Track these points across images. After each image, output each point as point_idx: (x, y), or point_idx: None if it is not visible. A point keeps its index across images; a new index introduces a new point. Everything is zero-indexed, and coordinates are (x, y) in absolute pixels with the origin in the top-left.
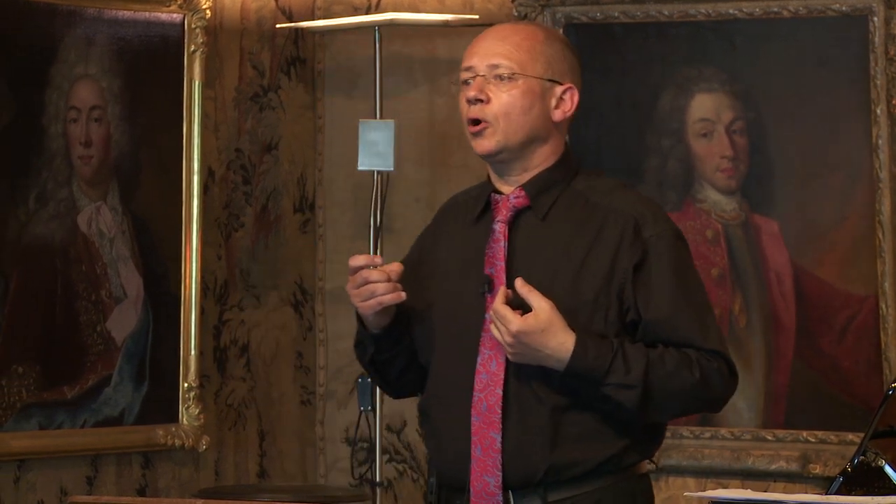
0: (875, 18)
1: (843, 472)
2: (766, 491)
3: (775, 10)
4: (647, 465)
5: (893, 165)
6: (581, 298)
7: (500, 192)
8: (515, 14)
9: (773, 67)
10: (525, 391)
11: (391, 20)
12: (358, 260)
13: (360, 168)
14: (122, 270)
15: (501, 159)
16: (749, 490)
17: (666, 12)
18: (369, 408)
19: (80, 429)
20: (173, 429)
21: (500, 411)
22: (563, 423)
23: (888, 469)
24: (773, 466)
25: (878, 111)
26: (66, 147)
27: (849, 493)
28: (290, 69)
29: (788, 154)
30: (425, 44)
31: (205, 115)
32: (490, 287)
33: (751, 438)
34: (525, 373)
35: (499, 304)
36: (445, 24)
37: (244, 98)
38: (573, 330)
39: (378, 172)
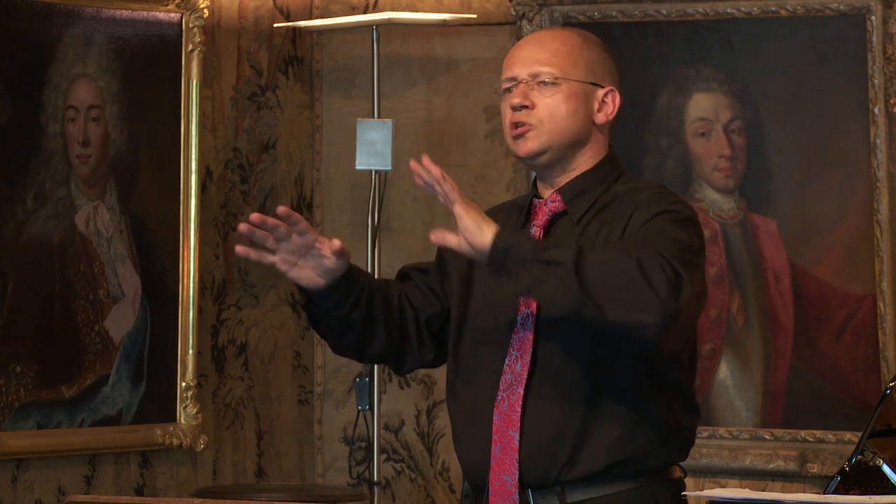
0: (873, 17)
1: (841, 472)
2: (764, 490)
3: (773, 9)
4: (677, 472)
5: (891, 165)
6: None
7: (540, 197)
8: (513, 13)
9: (771, 67)
10: (547, 392)
11: (389, 19)
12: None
13: (357, 167)
14: (120, 270)
15: (543, 162)
16: (747, 489)
17: (664, 11)
18: (367, 407)
19: (77, 428)
20: (171, 428)
21: (520, 410)
22: (583, 425)
23: (886, 468)
24: (771, 466)
25: (876, 110)
26: (64, 146)
27: (846, 493)
28: (287, 68)
29: (786, 153)
30: (423, 43)
31: (202, 115)
32: None
33: (749, 438)
34: (549, 374)
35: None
36: (443, 23)
37: (242, 97)
38: None
39: (376, 172)
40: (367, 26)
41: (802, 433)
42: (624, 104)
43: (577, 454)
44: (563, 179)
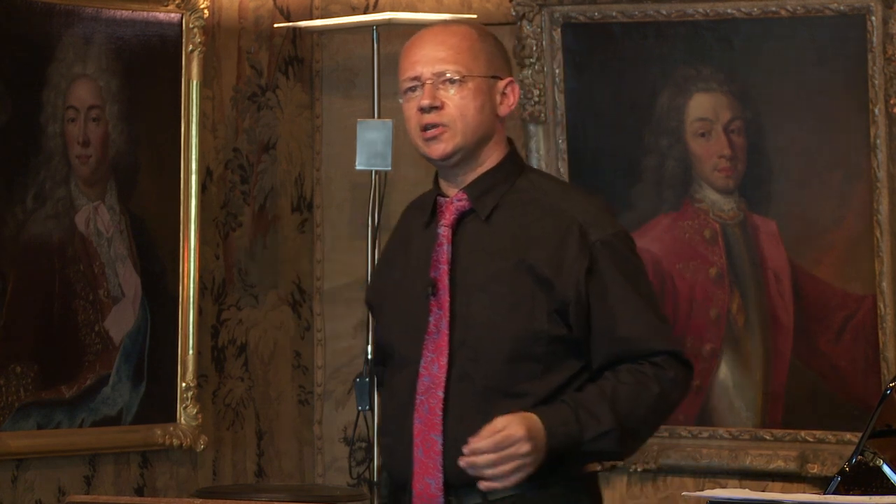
0: (873, 18)
1: (841, 472)
2: (764, 490)
3: (773, 9)
4: (594, 466)
5: (891, 165)
6: (521, 296)
7: (445, 196)
8: (513, 14)
9: (772, 67)
10: (467, 394)
11: (389, 20)
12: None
13: (357, 167)
14: (120, 270)
15: (455, 161)
16: (747, 490)
17: (664, 12)
18: (367, 407)
19: (78, 428)
20: (171, 428)
21: (440, 413)
22: None
23: (886, 468)
24: (771, 466)
25: (876, 111)
26: (64, 146)
27: (846, 493)
28: (287, 69)
29: (786, 153)
30: None
31: (203, 115)
32: (434, 290)
33: (749, 438)
34: (466, 376)
35: (493, 434)
36: (443, 23)
37: (242, 97)
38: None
39: (376, 172)
40: (367, 26)
41: (802, 433)
42: (620, 104)
43: None
44: (470, 177)
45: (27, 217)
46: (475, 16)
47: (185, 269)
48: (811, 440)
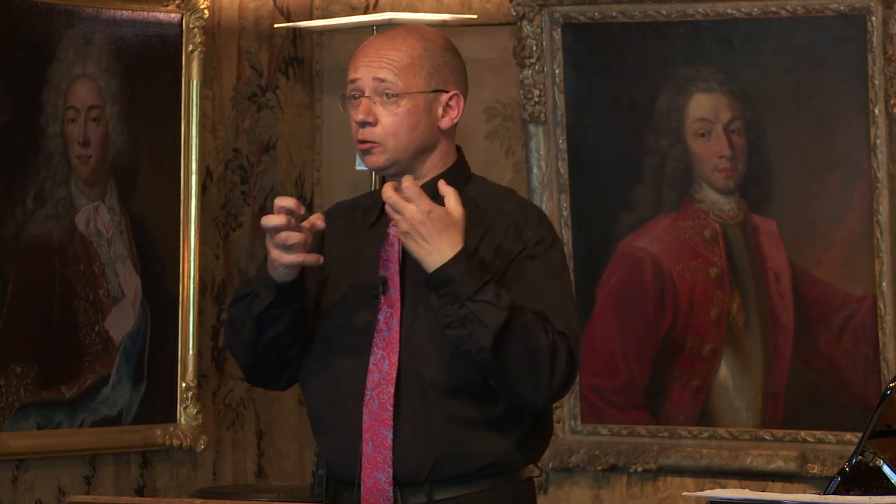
0: (873, 18)
1: (841, 472)
2: (764, 491)
3: (773, 9)
4: (532, 470)
5: (892, 165)
6: None
7: None
8: (514, 14)
9: (771, 67)
10: (416, 391)
11: (389, 20)
12: (284, 202)
13: (357, 168)
14: (120, 270)
15: (392, 172)
16: (747, 490)
17: (664, 12)
18: None
19: (78, 428)
20: (171, 428)
21: (391, 409)
22: (452, 424)
23: (886, 469)
24: (772, 466)
25: (877, 111)
26: (64, 147)
27: (847, 493)
28: (288, 69)
29: (786, 154)
30: None
31: (203, 115)
32: (384, 289)
33: (749, 438)
34: (417, 373)
35: (414, 187)
36: (443, 23)
37: (242, 98)
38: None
39: (375, 173)
40: (367, 27)
41: (802, 433)
42: (620, 104)
43: (446, 454)
44: (417, 182)
45: (27, 217)
46: (475, 16)
47: (186, 269)
48: (811, 440)
